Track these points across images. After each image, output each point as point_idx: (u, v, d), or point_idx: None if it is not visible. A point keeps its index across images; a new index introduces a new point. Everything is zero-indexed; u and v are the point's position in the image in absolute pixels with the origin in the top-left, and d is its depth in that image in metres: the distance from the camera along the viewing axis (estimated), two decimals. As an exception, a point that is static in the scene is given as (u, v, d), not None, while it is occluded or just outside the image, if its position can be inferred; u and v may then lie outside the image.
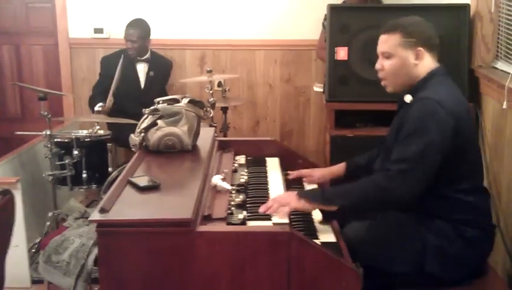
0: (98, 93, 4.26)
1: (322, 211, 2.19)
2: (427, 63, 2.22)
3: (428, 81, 2.20)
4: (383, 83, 2.29)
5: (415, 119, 2.10)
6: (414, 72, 2.22)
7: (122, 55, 4.09)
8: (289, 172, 2.59)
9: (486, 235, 2.20)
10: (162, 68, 4.57)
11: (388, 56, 2.23)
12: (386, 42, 2.23)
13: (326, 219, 2.20)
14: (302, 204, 2.09)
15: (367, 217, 2.26)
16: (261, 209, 2.04)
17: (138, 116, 2.54)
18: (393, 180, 2.04)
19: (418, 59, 2.20)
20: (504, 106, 2.73)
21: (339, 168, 2.57)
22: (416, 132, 2.08)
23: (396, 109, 2.35)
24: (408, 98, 2.23)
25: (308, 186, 2.53)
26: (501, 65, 3.14)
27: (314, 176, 2.55)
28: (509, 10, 3.06)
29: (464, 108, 2.18)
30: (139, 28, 4.40)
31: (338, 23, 3.43)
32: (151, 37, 4.50)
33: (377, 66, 2.28)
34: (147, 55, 4.46)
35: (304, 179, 2.56)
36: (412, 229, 2.17)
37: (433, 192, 2.12)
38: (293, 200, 2.09)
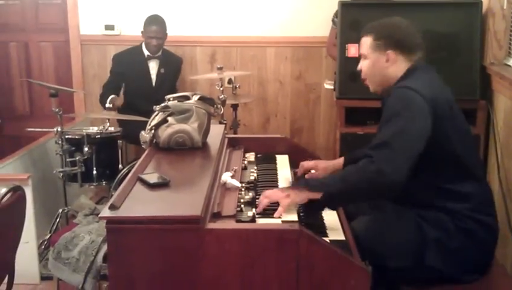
0: (109, 91, 4.26)
1: (309, 206, 2.13)
2: (401, 64, 2.25)
3: (407, 76, 2.23)
4: (365, 83, 2.36)
5: (392, 105, 2.14)
6: (388, 73, 2.26)
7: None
8: (296, 170, 2.59)
9: (486, 226, 2.19)
10: (172, 65, 4.57)
11: (364, 57, 2.31)
12: (362, 44, 2.31)
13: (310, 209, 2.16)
14: (291, 197, 2.06)
15: (373, 208, 2.27)
16: (257, 209, 2.03)
17: (150, 113, 2.55)
18: (375, 163, 2.02)
19: (389, 61, 2.24)
20: (516, 104, 2.71)
21: (340, 161, 2.59)
22: (392, 116, 2.10)
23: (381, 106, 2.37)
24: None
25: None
26: (513, 62, 3.12)
27: (318, 168, 2.55)
28: (522, 7, 3.04)
29: (443, 97, 2.18)
30: (162, 25, 4.42)
31: (349, 20, 3.42)
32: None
33: (358, 67, 2.36)
34: (159, 53, 4.46)
35: (307, 175, 2.55)
36: (411, 223, 2.18)
37: (427, 182, 2.15)
38: (280, 195, 2.06)
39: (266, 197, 2.07)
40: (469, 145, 2.28)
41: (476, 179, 2.23)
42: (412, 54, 2.25)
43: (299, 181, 2.32)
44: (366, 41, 2.28)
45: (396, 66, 2.24)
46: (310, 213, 2.15)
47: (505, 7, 3.18)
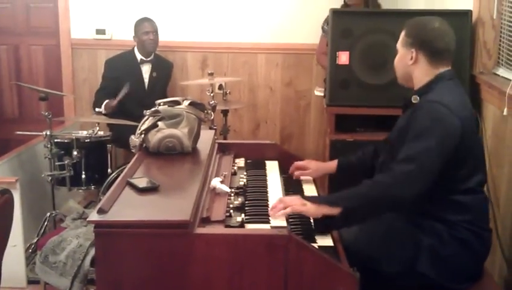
0: (103, 97, 4.25)
1: (322, 219, 2.13)
2: (424, 67, 2.24)
3: (435, 84, 2.21)
4: None
5: (423, 121, 2.11)
6: (410, 72, 2.27)
7: (128, 84, 4.08)
8: (285, 176, 2.60)
9: (481, 239, 2.19)
10: (164, 69, 4.58)
11: (396, 50, 2.33)
12: (400, 37, 2.32)
13: (326, 227, 2.14)
14: (307, 206, 2.06)
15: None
16: (271, 211, 2.06)
17: (142, 117, 2.54)
18: (397, 179, 2.05)
19: (412, 60, 2.25)
20: (504, 113, 2.73)
21: (333, 164, 2.60)
22: (423, 133, 2.08)
23: (402, 109, 2.37)
24: (415, 99, 2.25)
25: (307, 191, 2.52)
26: (502, 72, 3.14)
27: (309, 168, 2.57)
28: (511, 17, 3.06)
29: (469, 112, 2.20)
30: (154, 22, 4.44)
31: (340, 28, 3.43)
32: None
33: None
34: (151, 57, 4.47)
35: (296, 173, 2.57)
36: (405, 229, 2.18)
37: (431, 192, 2.12)
38: (298, 202, 2.08)
39: (281, 201, 2.07)
40: (481, 157, 2.29)
41: (478, 192, 2.24)
42: (438, 60, 2.24)
43: (318, 196, 2.36)
44: (401, 35, 2.30)
45: (419, 67, 2.24)
46: (322, 230, 2.13)
47: (494, 17, 3.20)
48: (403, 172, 2.04)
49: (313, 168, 2.57)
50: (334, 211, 2.05)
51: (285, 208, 2.05)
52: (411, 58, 2.24)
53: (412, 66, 2.25)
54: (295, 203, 2.07)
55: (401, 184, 2.04)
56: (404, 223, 2.19)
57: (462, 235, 2.15)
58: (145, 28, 4.38)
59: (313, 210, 2.07)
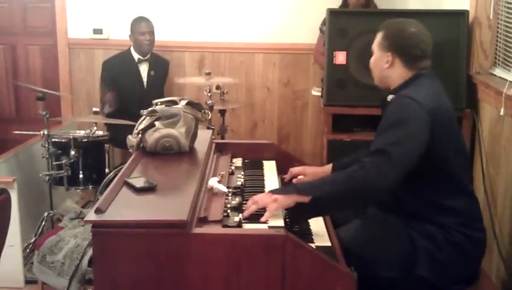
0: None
1: (296, 211, 2.11)
2: (400, 69, 2.24)
3: (409, 83, 2.23)
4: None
5: (392, 113, 2.14)
6: (386, 74, 2.28)
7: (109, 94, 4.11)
8: (284, 176, 2.59)
9: (476, 241, 2.20)
10: (161, 67, 4.59)
11: (373, 51, 2.33)
12: (375, 39, 2.32)
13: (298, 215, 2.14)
14: (278, 201, 2.03)
15: (356, 213, 2.28)
16: (244, 214, 2.01)
17: (139, 117, 2.54)
18: (368, 172, 2.02)
19: (388, 63, 2.25)
20: (501, 113, 2.74)
21: (328, 168, 2.58)
22: (391, 125, 2.10)
23: (381, 109, 2.40)
24: (390, 98, 2.28)
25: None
26: (499, 72, 3.15)
27: (305, 174, 2.53)
28: (507, 17, 3.07)
29: (444, 112, 2.17)
30: (150, 22, 4.44)
31: (337, 28, 3.43)
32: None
33: None
34: (148, 56, 4.47)
35: (294, 180, 2.54)
36: (402, 232, 2.18)
37: (419, 196, 2.14)
38: (268, 200, 2.04)
39: (254, 202, 2.05)
40: (463, 159, 2.28)
41: (467, 193, 2.24)
42: (413, 64, 2.23)
43: (287, 185, 2.32)
44: (377, 37, 2.30)
45: (394, 70, 2.25)
46: (296, 219, 2.14)
47: (491, 17, 3.21)
48: (373, 164, 2.02)
49: (310, 175, 2.52)
50: (304, 199, 2.04)
51: (258, 208, 2.03)
52: (387, 62, 2.25)
53: (387, 70, 2.26)
54: (266, 200, 2.04)
55: (372, 176, 2.01)
56: (400, 226, 2.19)
57: (456, 239, 2.15)
58: (141, 29, 4.38)
59: (284, 202, 2.05)
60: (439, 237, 2.15)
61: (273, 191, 2.11)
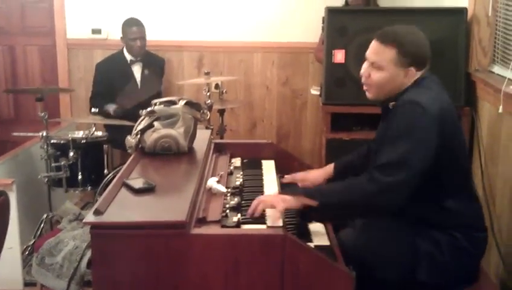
0: (99, 102, 4.25)
1: (302, 212, 2.12)
2: (410, 80, 2.17)
3: (412, 87, 2.16)
4: (365, 88, 2.24)
5: (399, 123, 2.07)
6: (400, 87, 2.17)
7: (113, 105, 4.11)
8: (285, 176, 2.58)
9: (478, 241, 2.19)
10: (155, 66, 4.57)
11: (378, 67, 2.15)
12: (379, 54, 2.14)
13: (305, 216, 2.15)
14: (287, 201, 2.05)
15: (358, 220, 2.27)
16: (249, 212, 2.02)
17: (137, 117, 2.54)
18: (377, 185, 2.00)
19: (407, 77, 2.15)
20: (500, 110, 2.73)
21: (330, 168, 2.55)
22: (400, 136, 2.04)
23: (380, 116, 2.31)
24: (391, 104, 2.19)
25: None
26: (497, 69, 3.15)
27: (308, 180, 2.50)
28: (506, 14, 3.06)
29: (448, 112, 2.13)
30: (142, 25, 4.43)
31: (336, 26, 3.43)
32: (148, 38, 4.51)
33: (364, 72, 2.20)
34: (141, 56, 4.46)
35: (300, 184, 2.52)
36: (403, 236, 2.15)
37: (423, 200, 2.10)
38: (278, 200, 2.05)
39: (261, 201, 2.04)
40: (465, 159, 2.26)
41: (469, 195, 2.22)
42: (425, 68, 2.19)
43: (296, 188, 2.32)
44: (389, 53, 2.12)
45: (410, 80, 2.16)
46: (300, 222, 2.14)
47: (489, 14, 3.20)
48: (382, 179, 1.99)
49: (312, 180, 2.50)
50: (313, 203, 2.04)
51: (265, 207, 2.03)
52: (405, 76, 2.14)
53: (403, 81, 2.15)
54: (274, 201, 2.04)
55: (380, 191, 1.99)
56: (402, 229, 2.16)
57: (459, 243, 2.12)
58: (132, 35, 4.37)
59: (292, 202, 2.05)
60: (441, 239, 2.12)
61: (281, 192, 2.12)
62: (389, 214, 2.08)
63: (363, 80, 2.22)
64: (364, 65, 2.21)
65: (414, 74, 2.15)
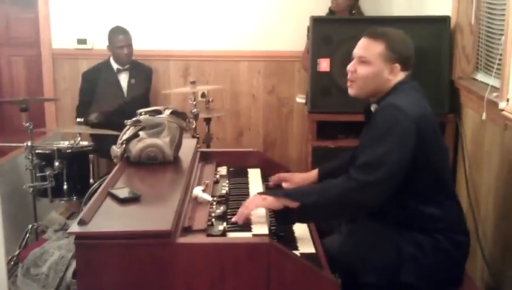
0: (85, 111, 4.25)
1: (280, 215, 2.15)
2: (398, 79, 2.21)
3: (394, 91, 2.21)
4: (348, 84, 2.27)
5: (379, 125, 2.12)
6: (383, 84, 2.21)
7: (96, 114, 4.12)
8: (270, 178, 2.59)
9: (460, 244, 2.21)
10: (142, 75, 4.56)
11: (365, 62, 2.20)
12: (368, 48, 2.20)
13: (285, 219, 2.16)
14: (267, 200, 2.09)
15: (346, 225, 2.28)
16: (234, 219, 2.04)
17: (123, 127, 2.53)
18: (355, 184, 2.04)
19: (392, 74, 2.20)
20: (483, 117, 2.76)
21: (314, 173, 2.57)
22: (379, 137, 2.09)
23: (364, 120, 2.35)
24: (374, 107, 2.24)
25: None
26: (481, 76, 3.18)
27: (293, 181, 2.52)
28: (489, 22, 3.10)
29: (427, 118, 2.17)
30: (128, 33, 4.43)
31: (321, 35, 3.45)
32: (134, 48, 4.50)
33: (350, 67, 2.24)
34: (128, 65, 4.46)
35: (283, 184, 2.54)
36: (387, 240, 2.18)
37: (403, 203, 2.14)
38: (258, 200, 2.10)
39: (245, 207, 2.06)
40: (446, 165, 2.29)
41: (450, 198, 2.25)
42: (409, 71, 2.24)
43: (278, 190, 2.33)
44: (377, 47, 2.18)
45: (394, 80, 2.20)
46: (282, 223, 2.15)
47: (472, 23, 3.24)
48: (360, 179, 2.03)
49: (296, 183, 2.51)
50: (294, 204, 2.07)
51: (250, 210, 2.07)
52: (390, 73, 2.19)
53: (387, 79, 2.20)
54: (256, 201, 2.09)
55: (361, 192, 2.03)
56: (386, 233, 2.19)
57: (441, 245, 2.15)
58: (119, 42, 4.37)
59: (273, 202, 2.09)
60: (424, 242, 2.15)
61: (262, 193, 2.15)
62: (368, 213, 2.11)
63: (348, 75, 2.26)
64: (351, 63, 2.26)
65: (398, 72, 2.20)
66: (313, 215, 2.13)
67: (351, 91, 2.27)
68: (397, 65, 2.19)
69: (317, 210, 2.10)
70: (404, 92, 2.19)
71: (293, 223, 2.20)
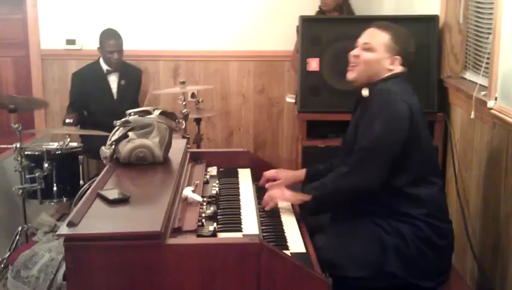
0: (75, 112, 4.23)
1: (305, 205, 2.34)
2: (395, 71, 2.34)
3: (387, 78, 2.33)
4: (349, 68, 2.38)
5: (375, 109, 2.24)
6: (381, 74, 2.33)
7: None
8: (258, 184, 2.61)
9: (442, 233, 2.26)
10: (132, 77, 4.55)
11: (369, 48, 2.32)
12: (373, 36, 2.34)
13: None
14: (286, 195, 2.35)
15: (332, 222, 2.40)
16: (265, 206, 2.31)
17: (113, 128, 2.52)
18: (353, 167, 2.23)
19: (392, 65, 2.32)
20: (472, 116, 2.77)
21: (301, 172, 2.63)
22: (373, 121, 2.21)
23: (354, 105, 2.46)
24: (365, 93, 2.34)
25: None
26: (469, 75, 3.20)
27: (279, 178, 2.58)
28: (477, 21, 3.12)
29: (416, 105, 2.29)
30: (119, 37, 4.40)
31: (310, 35, 3.46)
32: (124, 48, 4.49)
33: (354, 52, 2.36)
34: (118, 66, 4.44)
35: (267, 185, 2.55)
36: (369, 232, 2.24)
37: (390, 184, 2.22)
38: (279, 194, 2.34)
39: (271, 199, 2.31)
40: (430, 152, 2.39)
41: (434, 184, 2.31)
42: (406, 68, 2.37)
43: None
44: (383, 37, 2.32)
45: (392, 71, 2.33)
46: (311, 214, 2.37)
47: (461, 22, 3.26)
48: (358, 160, 2.22)
49: (283, 178, 2.57)
50: (307, 197, 2.30)
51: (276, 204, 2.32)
52: (391, 63, 2.32)
53: (386, 70, 2.32)
54: (278, 195, 2.33)
55: (358, 171, 2.21)
56: (367, 226, 2.25)
57: (423, 233, 2.21)
58: (109, 47, 4.34)
59: (291, 197, 2.36)
60: (406, 231, 2.20)
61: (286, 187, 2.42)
62: (367, 193, 2.24)
63: (351, 59, 2.38)
64: (355, 49, 2.38)
65: (397, 65, 2.33)
66: (324, 203, 2.33)
67: (351, 75, 2.38)
68: (398, 57, 2.31)
69: (327, 199, 2.30)
70: (396, 83, 2.31)
71: (313, 214, 2.38)
